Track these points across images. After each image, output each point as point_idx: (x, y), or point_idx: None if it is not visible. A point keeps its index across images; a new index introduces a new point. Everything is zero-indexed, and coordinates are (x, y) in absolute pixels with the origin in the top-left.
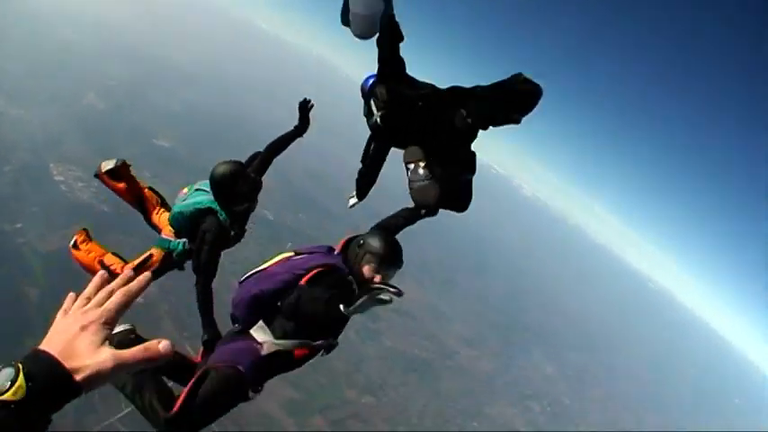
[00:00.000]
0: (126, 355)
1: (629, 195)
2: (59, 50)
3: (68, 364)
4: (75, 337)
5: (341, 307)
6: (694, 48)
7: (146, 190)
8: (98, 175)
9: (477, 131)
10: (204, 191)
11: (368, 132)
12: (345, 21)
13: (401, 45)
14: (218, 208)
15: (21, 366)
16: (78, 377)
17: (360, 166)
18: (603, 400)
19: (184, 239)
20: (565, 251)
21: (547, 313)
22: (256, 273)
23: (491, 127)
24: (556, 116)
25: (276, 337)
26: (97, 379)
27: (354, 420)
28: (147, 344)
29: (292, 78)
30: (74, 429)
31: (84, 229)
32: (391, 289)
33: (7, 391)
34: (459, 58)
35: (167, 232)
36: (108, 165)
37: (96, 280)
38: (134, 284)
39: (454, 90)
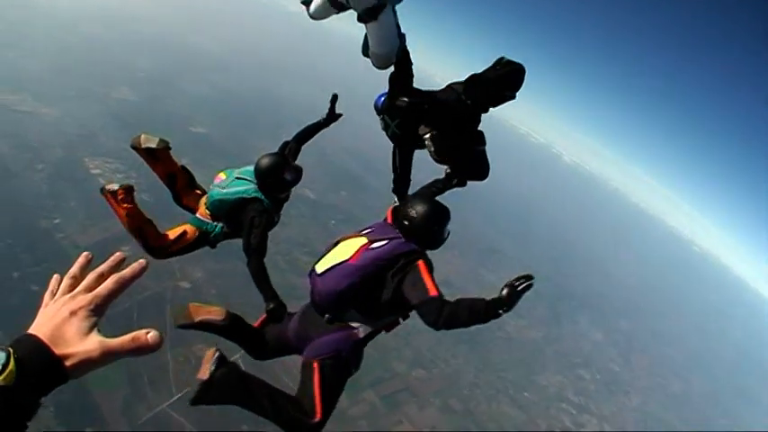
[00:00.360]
0: (113, 344)
1: (671, 158)
2: (84, 46)
3: (58, 351)
4: (64, 323)
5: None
6: None
7: (178, 169)
8: (135, 148)
9: (479, 114)
10: (245, 180)
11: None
12: (366, 53)
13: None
14: (262, 197)
15: (11, 351)
16: (67, 363)
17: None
18: (651, 366)
19: (221, 224)
20: (607, 216)
21: (593, 280)
22: (338, 265)
23: (491, 108)
24: (592, 80)
25: (369, 322)
26: (85, 366)
27: (405, 394)
28: (134, 333)
29: (323, 58)
30: (124, 417)
31: (130, 188)
32: None
33: None
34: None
35: (203, 213)
36: (149, 142)
37: (81, 260)
38: (128, 272)
39: (451, 84)
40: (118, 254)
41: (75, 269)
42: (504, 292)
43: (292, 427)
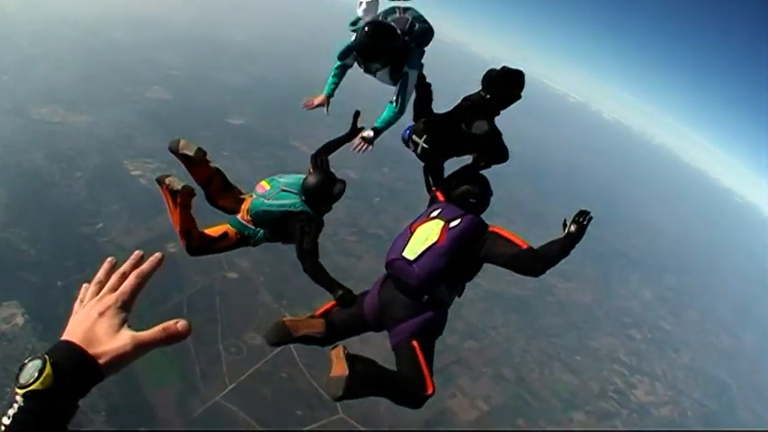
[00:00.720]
0: (145, 336)
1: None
2: (111, 52)
3: (91, 351)
4: (95, 324)
5: None
6: None
7: (213, 172)
8: (173, 151)
9: (497, 109)
10: (291, 192)
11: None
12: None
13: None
14: (308, 209)
15: (47, 357)
16: (102, 361)
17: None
18: (701, 322)
19: (263, 230)
20: (651, 172)
21: (640, 236)
22: (430, 248)
23: (501, 110)
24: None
25: (453, 293)
26: (120, 362)
27: (458, 366)
28: (165, 324)
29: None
30: (177, 413)
31: (192, 192)
32: None
33: (36, 381)
34: None
35: (246, 218)
36: (186, 149)
37: (105, 265)
38: (146, 265)
39: (465, 97)
40: (136, 252)
41: (100, 274)
42: (573, 228)
43: (412, 401)
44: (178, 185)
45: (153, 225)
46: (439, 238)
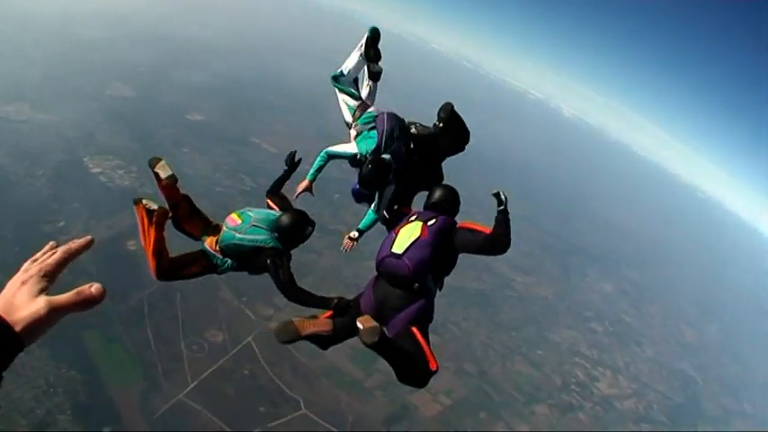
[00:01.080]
0: (60, 300)
1: (671, 104)
2: (75, 49)
3: (9, 318)
4: (15, 293)
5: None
6: None
7: (181, 199)
8: (150, 165)
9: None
10: (261, 228)
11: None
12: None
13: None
14: (279, 245)
15: None
16: (18, 328)
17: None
18: (663, 316)
19: (230, 261)
20: (610, 168)
21: (599, 232)
22: (415, 242)
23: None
24: (587, 31)
25: (437, 283)
26: (36, 326)
27: None
28: (79, 288)
29: (317, 35)
30: (141, 412)
31: (167, 213)
32: None
33: None
34: None
35: (214, 248)
36: (160, 169)
37: (46, 247)
38: (75, 244)
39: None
40: (75, 239)
41: (38, 254)
42: (501, 208)
43: (419, 376)
44: (154, 206)
45: (112, 223)
46: (421, 234)
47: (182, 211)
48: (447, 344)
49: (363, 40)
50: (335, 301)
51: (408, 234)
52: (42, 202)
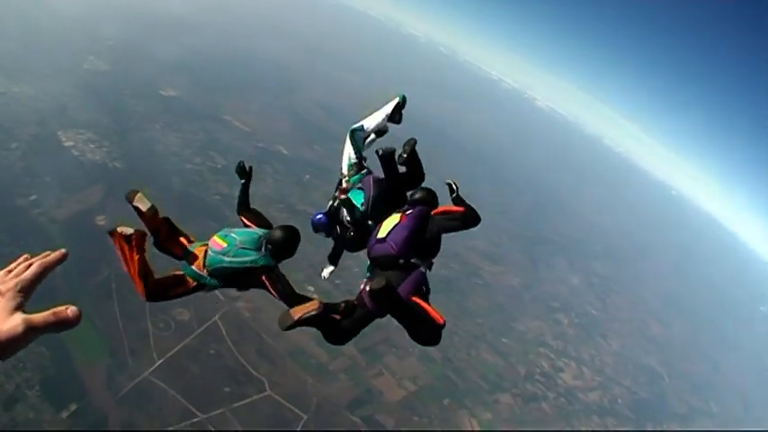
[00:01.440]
0: (36, 319)
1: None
2: (52, 22)
3: None
4: None
5: None
6: None
7: (161, 223)
8: (128, 200)
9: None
10: (248, 249)
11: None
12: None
13: None
14: (270, 262)
15: None
16: None
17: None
18: (630, 309)
19: (218, 281)
20: (582, 161)
21: (569, 224)
22: (395, 226)
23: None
24: (565, 22)
25: (423, 262)
26: (11, 343)
27: (384, 345)
28: (56, 309)
29: (290, 13)
30: (107, 389)
31: (145, 234)
32: None
33: None
34: None
35: (201, 268)
36: (139, 203)
37: (20, 259)
38: (51, 258)
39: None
40: (48, 252)
41: (12, 265)
42: (453, 196)
43: (430, 331)
44: (129, 230)
45: (83, 197)
46: (400, 220)
47: (163, 234)
48: None
49: (392, 105)
50: (342, 305)
51: (390, 222)
52: (15, 175)
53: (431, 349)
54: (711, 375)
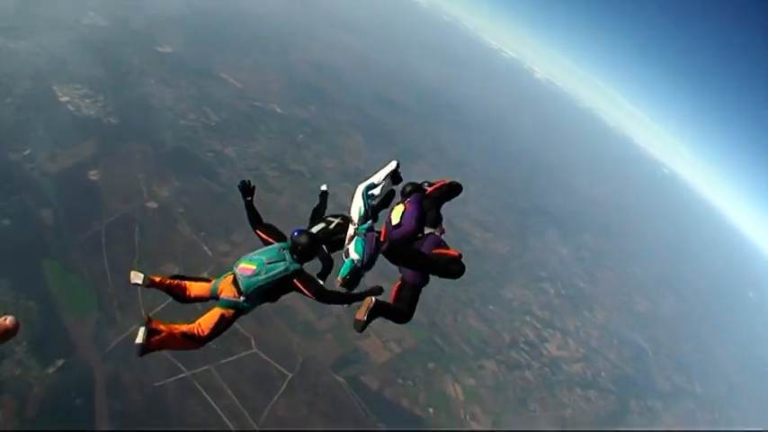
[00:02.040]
0: None
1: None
2: None
3: None
4: None
5: None
6: None
7: (171, 282)
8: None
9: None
10: (276, 262)
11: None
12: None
13: None
14: (298, 266)
15: None
16: None
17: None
18: (618, 284)
19: (255, 301)
20: (578, 135)
21: (561, 196)
22: (404, 212)
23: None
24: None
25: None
26: None
27: None
28: None
29: None
30: (94, 345)
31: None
32: None
33: None
34: None
35: (229, 294)
36: (136, 280)
37: None
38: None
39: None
40: (5, 317)
41: None
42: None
43: (450, 262)
44: (141, 334)
45: (76, 152)
46: (406, 208)
47: (178, 290)
48: None
49: (390, 168)
50: (374, 290)
51: (397, 212)
52: (9, 129)
53: (417, 313)
54: (697, 355)
